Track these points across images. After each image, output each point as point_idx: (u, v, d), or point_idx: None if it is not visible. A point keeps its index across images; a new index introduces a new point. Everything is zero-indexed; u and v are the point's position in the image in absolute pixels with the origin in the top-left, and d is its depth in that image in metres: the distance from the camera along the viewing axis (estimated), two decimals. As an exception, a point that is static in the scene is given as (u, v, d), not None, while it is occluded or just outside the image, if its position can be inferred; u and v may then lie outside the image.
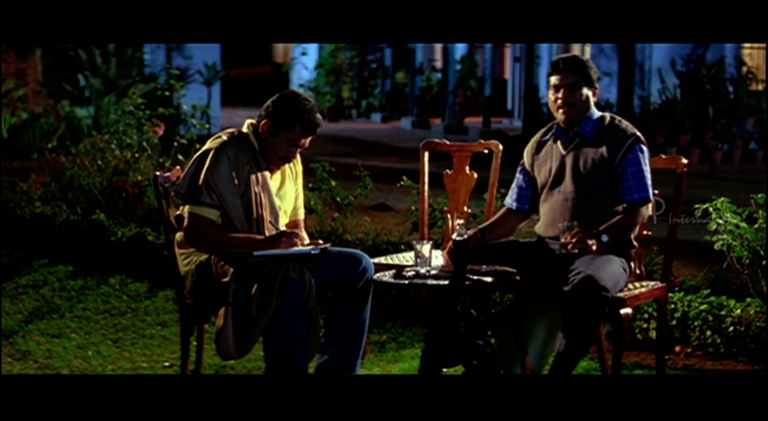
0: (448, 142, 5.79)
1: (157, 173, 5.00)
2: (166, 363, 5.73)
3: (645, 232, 5.08)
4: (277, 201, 4.92)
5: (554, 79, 4.92)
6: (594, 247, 4.66)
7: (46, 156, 9.82)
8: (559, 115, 4.93)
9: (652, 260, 6.23)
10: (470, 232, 4.93)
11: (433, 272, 4.70)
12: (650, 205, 4.90)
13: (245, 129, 4.91)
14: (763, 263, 5.75)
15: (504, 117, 21.40)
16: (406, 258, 5.45)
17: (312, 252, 4.69)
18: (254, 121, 4.92)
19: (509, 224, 5.14)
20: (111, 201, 8.34)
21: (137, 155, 8.71)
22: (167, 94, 9.55)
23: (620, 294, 4.76)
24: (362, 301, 4.92)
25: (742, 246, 5.75)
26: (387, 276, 4.73)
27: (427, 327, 4.83)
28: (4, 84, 15.85)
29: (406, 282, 4.65)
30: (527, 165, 5.08)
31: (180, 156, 8.59)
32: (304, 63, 25.20)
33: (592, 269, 4.61)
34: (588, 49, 19.45)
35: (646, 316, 5.86)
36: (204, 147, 4.85)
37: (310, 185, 7.35)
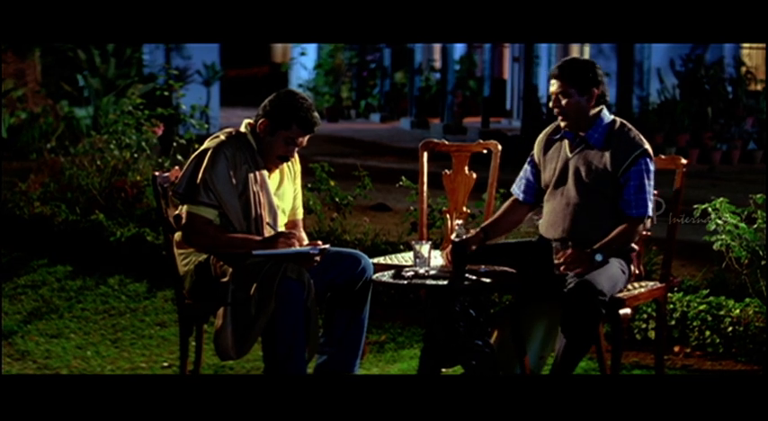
0: (447, 142, 5.78)
1: (156, 173, 5.00)
2: (165, 364, 5.73)
3: (644, 232, 5.08)
4: (276, 200, 4.92)
5: (550, 86, 4.93)
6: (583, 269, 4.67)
7: (45, 156, 9.82)
8: (560, 121, 4.93)
9: (651, 260, 6.24)
10: (472, 232, 4.92)
11: (432, 272, 4.70)
12: (648, 221, 4.88)
13: (242, 129, 4.91)
14: (762, 263, 5.75)
15: (503, 117, 21.39)
16: (405, 258, 5.45)
17: (311, 252, 4.69)
18: (251, 121, 4.92)
19: (515, 215, 5.11)
20: (110, 202, 8.34)
21: (136, 155, 8.71)
22: (166, 94, 9.54)
23: (619, 295, 4.76)
24: (361, 302, 4.92)
25: (741, 246, 5.74)
26: (386, 276, 4.74)
27: (426, 328, 4.83)
28: (4, 84, 15.85)
29: (405, 282, 4.65)
30: (536, 159, 5.06)
31: (179, 157, 8.58)
32: (303, 63, 25.19)
33: (589, 273, 4.62)
34: (587, 49, 19.46)
35: (645, 316, 5.86)
36: (202, 147, 4.85)
37: (309, 185, 7.35)
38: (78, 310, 6.72)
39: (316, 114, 4.86)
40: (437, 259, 5.00)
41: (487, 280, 4.58)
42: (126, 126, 8.78)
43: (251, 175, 4.82)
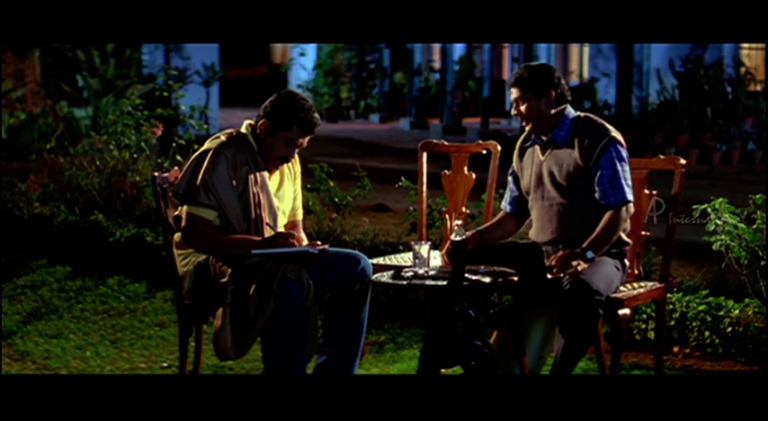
0: (446, 143, 5.78)
1: (156, 173, 4.99)
2: (165, 364, 5.73)
3: (643, 233, 5.08)
4: (275, 201, 4.92)
5: (510, 94, 4.98)
6: (580, 268, 4.66)
7: (44, 156, 9.81)
8: (525, 126, 4.97)
9: (650, 260, 6.23)
10: (469, 233, 4.93)
11: (432, 272, 4.70)
12: (630, 205, 4.86)
13: (243, 130, 4.91)
14: (762, 263, 5.75)
15: (503, 118, 21.38)
16: (404, 259, 5.45)
17: (310, 251, 4.68)
18: (252, 122, 4.92)
19: (507, 227, 5.15)
20: (109, 202, 8.34)
21: (135, 155, 8.71)
22: (166, 94, 9.55)
23: (619, 295, 4.76)
24: (361, 302, 4.92)
25: (740, 246, 5.74)
26: (385, 277, 4.74)
27: (425, 328, 4.83)
28: (3, 84, 15.85)
29: (405, 282, 4.65)
30: (516, 170, 5.10)
31: (178, 157, 8.58)
32: (302, 64, 25.20)
33: (584, 273, 4.62)
34: (587, 49, 19.47)
35: (644, 316, 5.86)
36: (203, 148, 4.85)
37: (309, 186, 7.35)
38: (78, 311, 6.71)
39: (316, 115, 4.87)
40: (436, 260, 5.00)
41: (487, 280, 4.58)
42: (125, 126, 8.78)
43: (251, 176, 4.82)
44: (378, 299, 6.38)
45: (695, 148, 15.01)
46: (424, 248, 4.72)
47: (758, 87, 16.58)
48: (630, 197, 4.82)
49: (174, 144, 8.75)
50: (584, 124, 4.90)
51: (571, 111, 4.94)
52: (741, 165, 15.05)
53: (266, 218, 4.85)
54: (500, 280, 4.62)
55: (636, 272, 5.05)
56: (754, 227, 5.74)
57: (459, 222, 5.05)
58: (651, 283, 5.07)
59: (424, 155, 5.73)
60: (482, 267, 4.71)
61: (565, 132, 4.89)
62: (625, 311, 4.74)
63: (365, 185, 7.48)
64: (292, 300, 4.61)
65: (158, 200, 4.97)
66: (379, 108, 24.43)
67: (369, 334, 5.61)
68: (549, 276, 4.67)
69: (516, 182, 5.10)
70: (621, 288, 4.87)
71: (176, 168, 5.11)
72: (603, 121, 4.92)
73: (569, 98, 4.96)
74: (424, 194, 5.77)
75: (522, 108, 4.90)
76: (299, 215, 5.13)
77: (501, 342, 5.01)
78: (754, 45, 17.34)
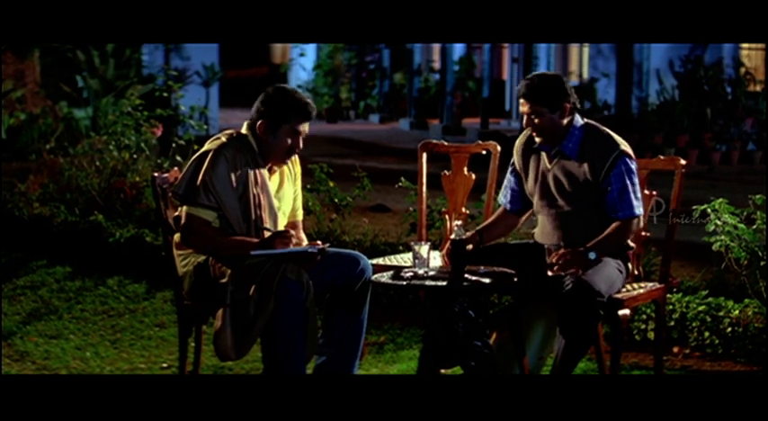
0: (446, 143, 5.78)
1: (155, 174, 4.99)
2: (164, 364, 5.73)
3: (643, 233, 5.08)
4: (276, 202, 4.92)
5: (520, 105, 4.90)
6: (580, 271, 4.66)
7: (44, 157, 9.81)
8: (535, 137, 4.92)
9: (650, 261, 6.23)
10: (468, 234, 4.92)
11: (432, 273, 4.70)
12: (640, 219, 4.86)
13: (243, 131, 4.91)
14: (762, 264, 5.75)
15: (503, 118, 21.39)
16: (404, 259, 5.45)
17: (309, 251, 4.68)
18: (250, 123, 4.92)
19: (506, 223, 5.14)
20: (109, 203, 8.34)
21: (135, 156, 8.70)
22: (165, 95, 9.54)
23: (618, 295, 4.76)
24: (360, 302, 4.92)
25: (740, 247, 5.74)
26: (385, 277, 4.73)
27: (425, 328, 4.83)
28: (3, 85, 15.84)
29: (405, 283, 4.65)
30: (518, 167, 5.06)
31: (178, 157, 8.58)
32: (302, 64, 25.19)
33: (586, 273, 4.62)
34: (586, 49, 19.47)
35: (644, 317, 5.86)
36: (203, 149, 4.85)
37: (308, 186, 7.35)
38: (77, 311, 6.71)
39: (309, 100, 4.88)
40: (436, 260, 5.00)
41: (487, 280, 4.58)
42: (125, 127, 8.78)
43: (251, 177, 4.81)
44: (377, 299, 6.38)
45: (695, 149, 15.01)
46: (423, 249, 4.71)
47: (758, 88, 16.57)
48: (639, 211, 4.81)
49: (173, 144, 8.75)
50: (592, 135, 4.86)
51: (579, 120, 4.91)
52: (741, 165, 15.06)
53: (266, 218, 4.85)
54: (500, 280, 4.62)
55: (636, 272, 5.05)
56: (754, 227, 5.74)
57: (459, 222, 5.05)
58: (651, 284, 5.07)
59: (424, 155, 5.73)
60: (482, 267, 4.71)
61: (573, 144, 4.86)
62: (625, 312, 4.75)
63: (365, 186, 7.48)
64: (292, 300, 4.61)
65: (158, 200, 4.97)
66: (378, 108, 24.42)
67: (368, 334, 5.61)
68: (549, 273, 4.67)
69: (517, 181, 5.07)
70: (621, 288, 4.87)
71: (176, 169, 5.11)
72: (610, 132, 4.90)
73: (579, 106, 4.94)
74: (424, 195, 5.77)
75: (537, 122, 4.84)
76: (300, 216, 5.13)
77: (501, 342, 5.00)
78: (753, 45, 17.33)
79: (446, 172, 5.70)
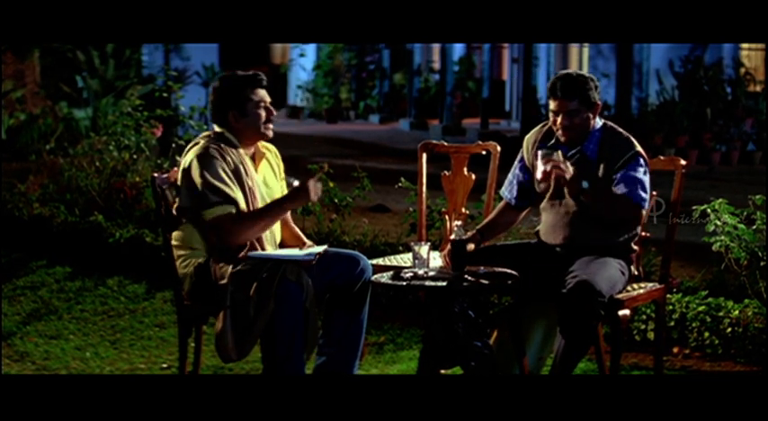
0: (446, 143, 5.78)
1: (155, 174, 4.99)
2: (164, 365, 5.73)
3: (643, 233, 5.08)
4: (265, 189, 4.93)
5: (553, 104, 4.82)
6: (568, 175, 4.64)
7: (44, 157, 9.81)
8: (560, 136, 4.88)
9: (650, 261, 6.23)
10: (469, 234, 4.92)
11: (431, 273, 4.70)
12: (640, 212, 4.85)
13: (218, 130, 4.94)
14: (762, 264, 5.75)
15: (502, 118, 21.39)
16: (404, 259, 5.45)
17: (305, 259, 4.68)
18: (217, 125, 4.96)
19: (509, 217, 5.12)
20: (109, 203, 8.33)
21: (135, 156, 8.70)
22: (165, 95, 9.53)
23: (618, 296, 4.76)
24: (360, 303, 4.92)
25: (740, 247, 5.74)
26: (385, 277, 4.73)
27: (425, 329, 4.83)
28: (3, 85, 15.84)
29: (404, 283, 4.64)
30: (527, 163, 5.04)
31: (178, 158, 8.53)
32: (302, 64, 25.20)
33: (588, 273, 4.61)
34: (586, 49, 19.46)
35: (644, 317, 5.86)
36: (187, 159, 4.82)
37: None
38: (77, 311, 6.71)
39: (251, 71, 4.93)
40: (436, 260, 5.00)
41: (486, 281, 4.58)
42: (125, 127, 8.78)
43: (242, 170, 4.83)
44: (377, 299, 6.38)
45: (695, 149, 15.01)
46: (423, 249, 4.71)
47: (758, 88, 16.57)
48: (643, 204, 4.78)
49: (173, 145, 8.74)
50: (610, 136, 4.86)
51: (598, 121, 4.91)
52: (741, 165, 15.06)
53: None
54: (500, 281, 4.62)
55: (635, 272, 5.04)
56: (754, 227, 5.74)
57: (459, 223, 5.04)
58: (651, 284, 5.06)
59: (424, 155, 5.73)
60: (482, 268, 4.71)
61: (594, 145, 4.85)
62: (625, 312, 4.74)
63: (365, 186, 7.48)
64: (292, 301, 4.61)
65: (158, 200, 4.96)
66: (378, 109, 24.43)
67: (368, 334, 5.61)
68: (540, 182, 4.65)
69: (526, 175, 5.03)
70: (621, 289, 4.87)
71: (176, 169, 5.10)
72: (628, 134, 4.89)
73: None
74: (424, 195, 5.77)
75: (573, 119, 4.79)
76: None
77: (501, 342, 5.01)
78: (753, 45, 17.33)
79: (446, 172, 5.70)
